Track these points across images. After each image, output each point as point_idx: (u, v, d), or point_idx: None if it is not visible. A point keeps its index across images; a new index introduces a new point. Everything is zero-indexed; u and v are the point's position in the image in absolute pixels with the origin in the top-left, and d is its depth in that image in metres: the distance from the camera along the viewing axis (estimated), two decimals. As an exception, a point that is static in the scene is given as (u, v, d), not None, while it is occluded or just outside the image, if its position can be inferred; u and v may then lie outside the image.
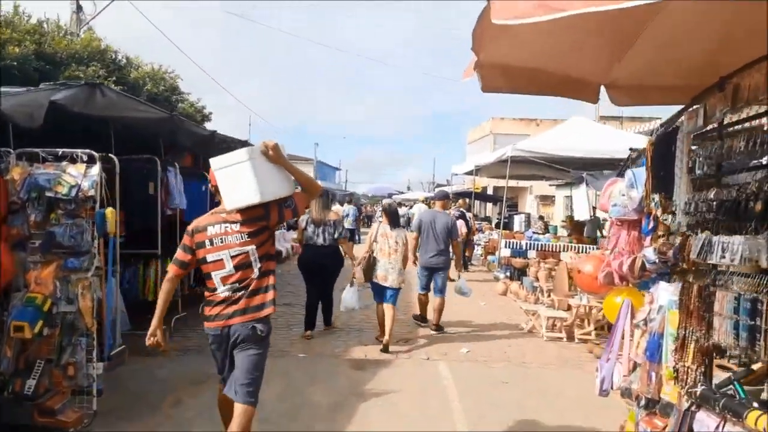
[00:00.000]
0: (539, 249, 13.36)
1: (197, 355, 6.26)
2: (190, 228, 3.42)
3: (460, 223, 13.68)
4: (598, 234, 17.53)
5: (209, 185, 3.53)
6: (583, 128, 14.74)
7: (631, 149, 8.73)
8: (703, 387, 2.51)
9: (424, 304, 7.77)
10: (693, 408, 2.57)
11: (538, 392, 5.27)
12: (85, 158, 4.17)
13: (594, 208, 12.28)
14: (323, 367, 5.86)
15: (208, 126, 13.51)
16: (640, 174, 3.45)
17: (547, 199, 34.46)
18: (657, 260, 3.11)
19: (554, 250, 13.39)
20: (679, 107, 3.26)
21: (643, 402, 3.07)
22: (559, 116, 27.76)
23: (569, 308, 8.00)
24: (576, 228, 16.31)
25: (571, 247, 13.36)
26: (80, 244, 4.02)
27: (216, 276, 3.30)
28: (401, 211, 22.74)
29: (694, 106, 2.97)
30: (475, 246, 16.33)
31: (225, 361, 3.43)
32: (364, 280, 6.81)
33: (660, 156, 3.26)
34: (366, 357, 6.29)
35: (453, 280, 8.14)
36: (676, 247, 2.91)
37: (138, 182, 6.86)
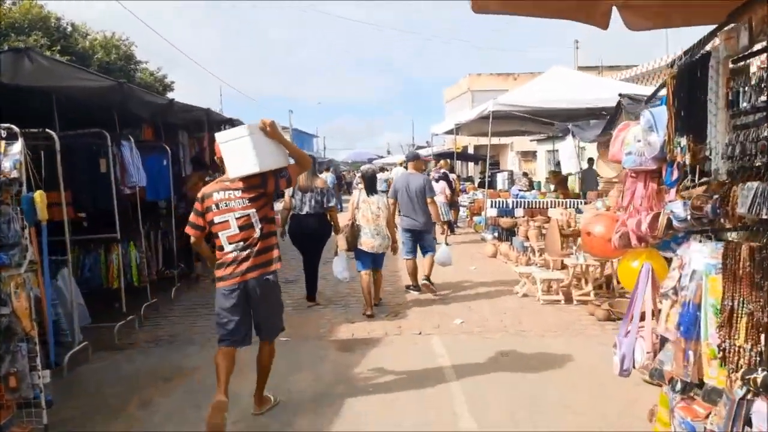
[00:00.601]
0: (526, 207, 12.95)
1: (169, 346, 5.75)
2: (199, 195, 3.93)
3: (443, 185, 13.17)
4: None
5: (215, 156, 3.99)
6: (565, 78, 14.16)
7: (620, 95, 8.26)
8: (765, 372, 2.04)
9: (413, 270, 7.55)
10: (750, 396, 2.11)
11: (541, 365, 4.84)
12: (3, 134, 3.52)
13: (591, 159, 11.78)
14: (307, 351, 5.36)
15: (172, 96, 12.76)
16: (660, 114, 2.91)
17: (528, 155, 34.04)
18: (689, 216, 2.61)
19: (542, 207, 12.97)
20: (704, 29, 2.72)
21: (679, 386, 2.60)
22: (536, 69, 27.09)
23: (563, 267, 7.59)
24: (561, 182, 15.96)
25: (559, 202, 12.96)
26: (7, 236, 3.41)
27: (223, 235, 3.79)
28: (382, 176, 22.16)
29: (732, 24, 2.42)
30: (460, 207, 15.86)
31: (240, 319, 3.85)
32: (348, 248, 6.65)
33: (685, 90, 2.72)
34: (353, 336, 5.81)
35: (439, 244, 7.88)
36: (716, 199, 2.40)
37: (87, 160, 6.20)
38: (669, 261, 2.91)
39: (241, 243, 3.75)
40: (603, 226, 3.87)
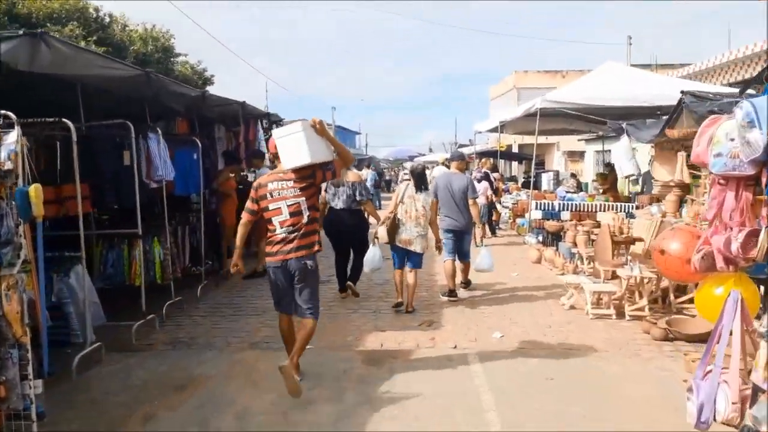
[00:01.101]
0: (573, 210, 12.25)
1: (187, 349, 5.43)
2: (255, 184, 4.42)
3: (485, 185, 12.61)
4: (636, 188, 16.28)
5: (268, 152, 4.94)
6: (618, 74, 13.35)
7: (683, 92, 7.54)
8: None
9: (452, 272, 7.24)
10: None
11: (591, 393, 4.28)
12: (-1, 122, 3.21)
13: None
14: (331, 362, 4.94)
15: (213, 91, 12.57)
16: (764, 106, 2.34)
17: (575, 155, 32.85)
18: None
19: (590, 210, 12.25)
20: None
21: (780, 451, 2.05)
22: (586, 67, 26.02)
23: (614, 278, 6.95)
24: (611, 185, 15.11)
25: (609, 206, 12.20)
26: (-2, 233, 3.09)
27: (276, 220, 4.25)
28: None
29: None
30: (503, 209, 15.22)
31: (283, 291, 4.36)
32: (387, 241, 6.51)
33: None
34: (382, 347, 5.36)
35: (478, 246, 7.70)
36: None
37: (110, 152, 5.94)
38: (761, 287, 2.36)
39: (291, 227, 4.22)
40: (681, 244, 3.28)
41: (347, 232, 6.89)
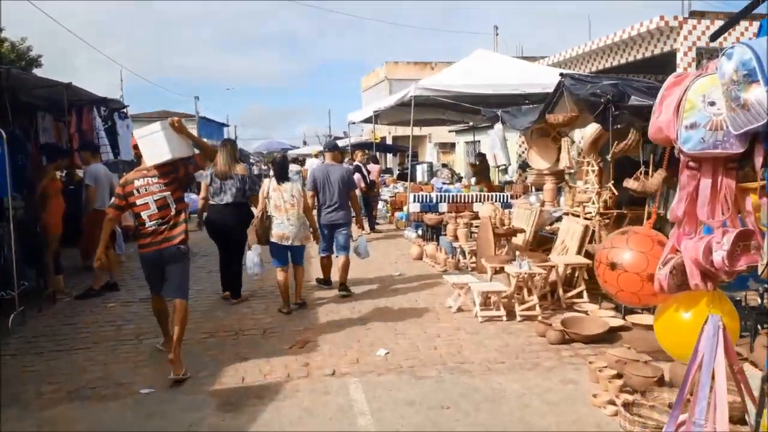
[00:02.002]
0: (451, 201, 11.90)
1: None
2: (122, 181, 4.64)
3: (357, 177, 11.88)
4: (506, 178, 16.48)
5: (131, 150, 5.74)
6: (490, 62, 13.20)
7: (562, 74, 7.23)
8: None
9: (327, 266, 7.14)
10: None
11: (495, 421, 3.62)
12: None
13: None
14: (173, 413, 3.85)
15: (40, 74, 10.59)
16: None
17: (446, 147, 33.46)
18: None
19: (467, 201, 11.98)
20: None
21: None
22: (454, 59, 26.33)
23: (498, 271, 6.48)
24: (483, 175, 15.09)
25: (485, 196, 12.01)
26: None
27: (144, 214, 4.47)
28: (294, 167, 20.51)
29: None
30: (380, 202, 14.62)
31: (157, 277, 4.64)
32: (259, 242, 6.13)
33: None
34: (243, 383, 4.34)
35: (354, 240, 7.16)
36: None
37: None
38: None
39: (160, 220, 4.46)
40: (638, 253, 2.54)
41: (233, 227, 6.45)
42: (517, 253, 5.96)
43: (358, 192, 11.53)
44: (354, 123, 18.10)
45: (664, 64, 12.57)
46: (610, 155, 6.28)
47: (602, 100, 6.07)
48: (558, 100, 7.43)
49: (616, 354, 4.20)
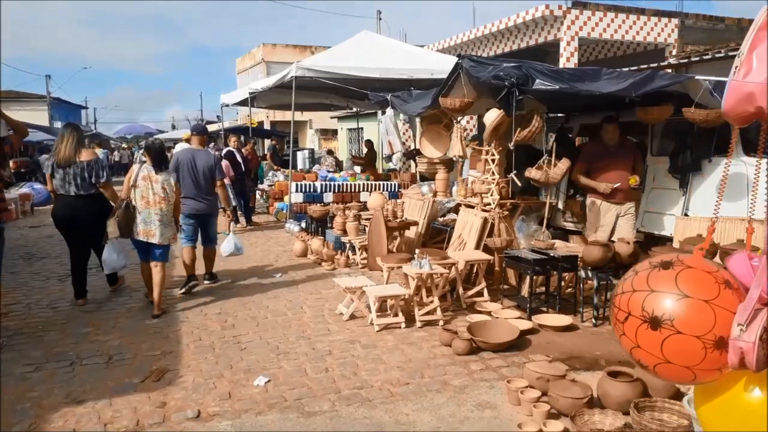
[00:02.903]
0: (336, 191, 11.14)
1: None
2: None
3: (225, 164, 10.74)
4: (390, 165, 15.98)
5: None
6: (375, 45, 12.50)
7: (460, 56, 6.64)
8: None
9: (191, 259, 6.41)
10: None
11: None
12: None
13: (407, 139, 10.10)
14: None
15: None
16: None
17: (328, 133, 32.57)
18: None
19: (353, 190, 11.27)
20: None
21: None
22: (335, 43, 25.47)
23: (392, 270, 5.81)
24: (370, 163, 14.49)
25: (372, 186, 11.36)
26: None
27: None
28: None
29: None
30: (257, 191, 13.50)
31: None
32: (120, 235, 5.50)
33: None
34: (73, 438, 3.26)
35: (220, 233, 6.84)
36: None
37: None
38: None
39: None
40: (698, 303, 1.52)
41: (83, 222, 5.72)
42: (417, 251, 5.31)
43: (228, 181, 10.44)
44: (227, 105, 16.66)
45: (547, 54, 12.66)
46: (512, 143, 5.80)
47: (506, 83, 5.57)
48: (454, 83, 6.87)
49: (537, 370, 3.65)
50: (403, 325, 5.07)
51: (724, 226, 5.76)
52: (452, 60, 11.96)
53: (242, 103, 15.60)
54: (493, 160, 6.09)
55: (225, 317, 5.51)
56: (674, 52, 13.14)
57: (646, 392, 3.42)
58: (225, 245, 6.72)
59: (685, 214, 6.28)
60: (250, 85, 14.52)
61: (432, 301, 5.24)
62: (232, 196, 9.72)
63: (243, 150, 12.35)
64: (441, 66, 11.54)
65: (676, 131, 6.54)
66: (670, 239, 6.46)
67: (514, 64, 5.92)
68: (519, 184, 5.89)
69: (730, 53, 10.10)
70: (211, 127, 33.87)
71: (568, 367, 4.13)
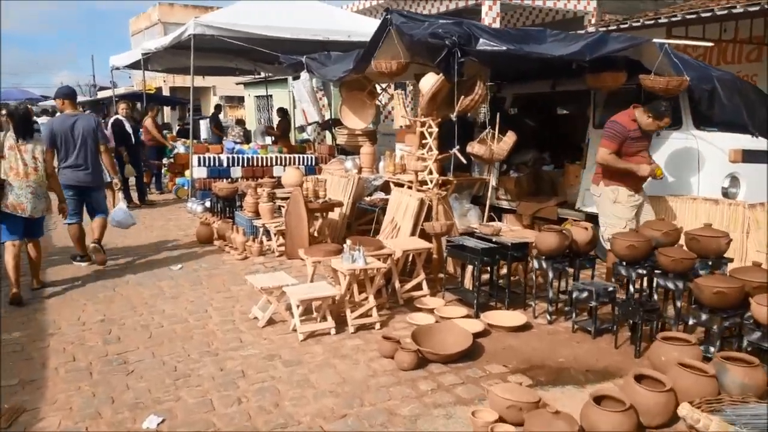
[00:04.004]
0: (246, 165, 10.03)
1: None
2: None
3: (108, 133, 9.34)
4: (303, 136, 14.85)
5: None
6: (284, 1, 11.31)
7: (389, 11, 5.71)
8: None
9: (78, 236, 6.09)
10: None
11: None
12: None
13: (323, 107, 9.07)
14: None
15: None
16: None
17: (234, 101, 30.61)
18: None
19: (265, 164, 10.21)
20: None
21: None
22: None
23: (317, 264, 4.93)
24: (283, 134, 13.40)
25: (286, 159, 10.34)
26: None
27: None
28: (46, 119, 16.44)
29: None
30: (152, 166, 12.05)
31: None
32: None
33: None
34: None
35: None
36: None
37: None
38: None
39: None
40: None
41: None
42: (348, 241, 4.45)
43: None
44: (118, 68, 14.80)
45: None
46: (455, 113, 5.03)
47: (446, 42, 4.76)
48: (383, 43, 5.97)
49: (507, 397, 2.95)
50: (333, 331, 4.23)
51: (676, 206, 5.36)
52: (372, 23, 11.04)
53: (135, 66, 13.88)
54: (430, 133, 5.30)
55: (108, 326, 4.44)
56: (593, 21, 12.95)
57: (639, 421, 2.82)
58: (114, 214, 6.28)
59: (632, 193, 5.83)
60: (143, 46, 12.88)
61: (366, 300, 4.43)
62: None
63: (147, 124, 10.93)
64: (360, 28, 10.59)
65: (621, 101, 6.05)
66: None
67: (453, 20, 5.14)
68: (464, 161, 5.16)
69: (647, 22, 9.92)
70: (102, 94, 30.84)
71: (532, 381, 3.50)
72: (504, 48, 4.75)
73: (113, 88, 19.44)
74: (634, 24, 10.12)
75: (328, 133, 13.19)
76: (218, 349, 4.01)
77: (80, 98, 26.66)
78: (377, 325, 4.34)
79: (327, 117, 11.99)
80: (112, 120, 9.79)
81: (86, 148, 5.90)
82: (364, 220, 7.13)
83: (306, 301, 4.25)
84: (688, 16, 8.82)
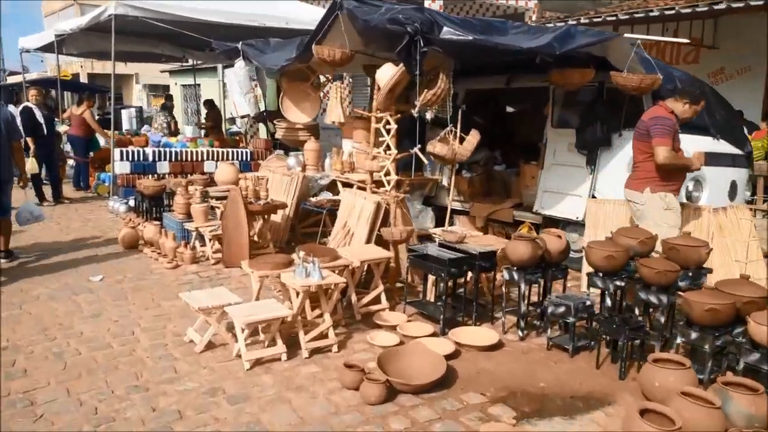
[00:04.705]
0: (174, 159, 9.21)
1: None
2: None
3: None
4: (233, 128, 14.04)
5: None
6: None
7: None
8: None
9: None
10: None
11: None
12: None
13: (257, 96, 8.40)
14: None
15: None
16: None
17: (158, 89, 28.92)
18: None
19: (195, 159, 9.41)
20: None
21: None
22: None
23: (264, 279, 4.36)
24: (214, 126, 12.58)
25: (217, 153, 9.57)
26: None
27: None
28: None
29: None
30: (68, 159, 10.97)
31: None
32: None
33: None
34: None
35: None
36: None
37: None
38: None
39: None
40: None
41: None
42: (301, 252, 3.90)
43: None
44: (28, 51, 13.41)
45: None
46: (417, 108, 4.57)
47: (408, 29, 4.30)
48: (330, 29, 5.43)
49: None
50: (284, 356, 3.69)
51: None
52: (312, 11, 10.44)
53: (48, 49, 12.60)
54: (388, 131, 4.83)
55: (13, 355, 3.72)
56: (534, 18, 12.89)
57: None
58: (20, 212, 6.03)
59: (593, 196, 5.61)
60: (57, 27, 11.68)
61: (321, 319, 3.92)
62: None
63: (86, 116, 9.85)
64: (299, 16, 9.99)
65: (581, 100, 5.81)
66: (573, 222, 5.79)
67: (414, 6, 4.69)
68: (425, 161, 4.72)
69: (595, 20, 9.92)
70: (12, 79, 28.37)
71: (516, 413, 3.12)
72: (470, 38, 4.35)
73: (23, 73, 17.71)
74: (575, 21, 10.08)
75: (261, 126, 12.46)
76: (149, 382, 3.39)
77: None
78: (334, 348, 3.84)
79: (262, 108, 11.30)
80: (21, 107, 8.71)
81: None
82: (308, 223, 6.59)
83: (252, 324, 3.69)
84: (636, 15, 8.80)
